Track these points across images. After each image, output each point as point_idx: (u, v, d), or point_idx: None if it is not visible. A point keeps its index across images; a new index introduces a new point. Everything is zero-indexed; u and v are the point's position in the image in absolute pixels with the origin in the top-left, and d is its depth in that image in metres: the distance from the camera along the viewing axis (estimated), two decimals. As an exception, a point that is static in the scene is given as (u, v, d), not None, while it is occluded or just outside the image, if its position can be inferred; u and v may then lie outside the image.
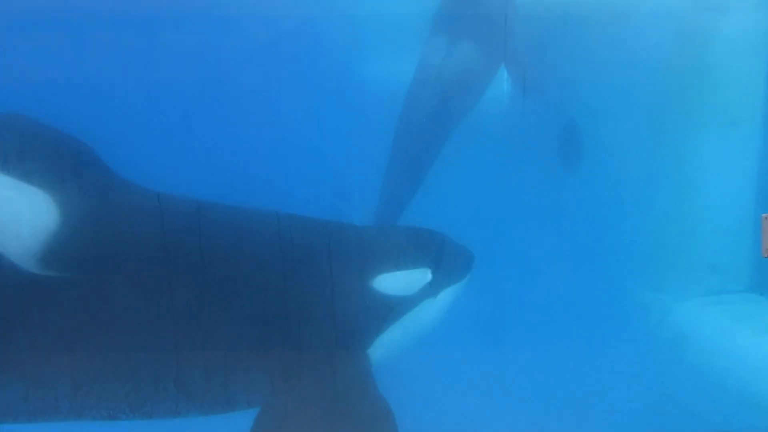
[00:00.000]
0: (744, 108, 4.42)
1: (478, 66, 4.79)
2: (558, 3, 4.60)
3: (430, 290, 3.39)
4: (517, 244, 4.46)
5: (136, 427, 3.05)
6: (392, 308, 3.28)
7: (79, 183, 3.07)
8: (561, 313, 4.32)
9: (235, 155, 4.34)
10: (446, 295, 3.46)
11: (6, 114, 3.24)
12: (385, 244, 3.46)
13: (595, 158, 4.75)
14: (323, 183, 4.27)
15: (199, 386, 3.04)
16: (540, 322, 4.21)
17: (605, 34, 4.57)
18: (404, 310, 3.32)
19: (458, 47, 4.80)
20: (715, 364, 4.16)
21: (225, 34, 4.50)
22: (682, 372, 4.18)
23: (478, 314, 4.00)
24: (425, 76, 4.77)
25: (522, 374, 3.79)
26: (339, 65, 4.71)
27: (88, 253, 3.03)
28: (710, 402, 3.96)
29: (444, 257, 3.46)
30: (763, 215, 2.67)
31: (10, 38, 4.24)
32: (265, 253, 3.24)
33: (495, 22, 4.67)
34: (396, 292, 3.30)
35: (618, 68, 4.55)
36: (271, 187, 3.85)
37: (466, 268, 3.57)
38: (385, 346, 3.27)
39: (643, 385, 4.10)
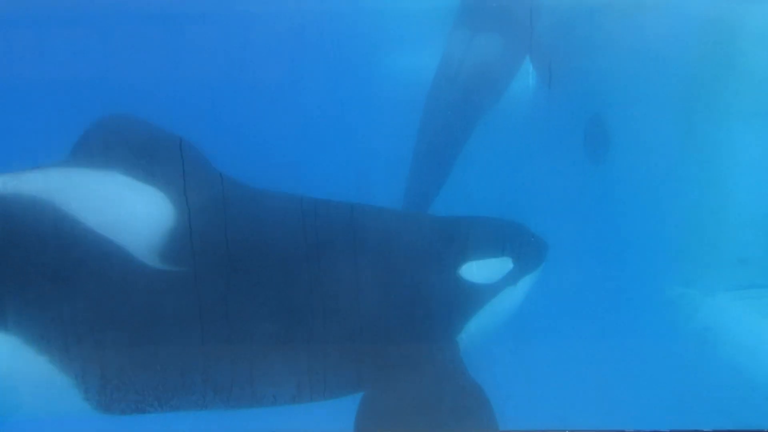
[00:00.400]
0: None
1: (502, 58, 4.76)
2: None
3: (510, 279, 3.51)
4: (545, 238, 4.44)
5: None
6: (478, 296, 3.43)
7: (188, 181, 3.23)
8: (586, 307, 4.29)
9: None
10: (524, 284, 3.59)
11: (116, 116, 3.46)
12: (469, 233, 3.58)
13: (622, 151, 4.70)
14: (346, 175, 4.30)
15: (307, 376, 3.21)
16: (563, 316, 4.18)
17: (631, 25, 4.52)
18: (488, 297, 3.45)
19: (482, 39, 4.77)
20: (743, 359, 4.12)
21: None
22: (709, 367, 4.13)
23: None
24: (449, 69, 4.75)
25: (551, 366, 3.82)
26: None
27: (200, 248, 3.18)
28: (738, 398, 3.91)
29: (522, 246, 3.58)
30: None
31: (113, 39, 4.35)
32: (362, 247, 3.38)
33: (519, 13, 4.64)
34: (481, 280, 3.44)
35: (645, 59, 4.50)
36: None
37: (541, 258, 3.68)
38: (471, 334, 3.42)
39: (670, 380, 4.06)
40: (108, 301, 3.13)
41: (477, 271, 3.44)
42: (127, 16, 4.42)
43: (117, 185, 3.20)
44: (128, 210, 3.19)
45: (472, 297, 3.43)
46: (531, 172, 4.53)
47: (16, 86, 4.34)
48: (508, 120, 4.74)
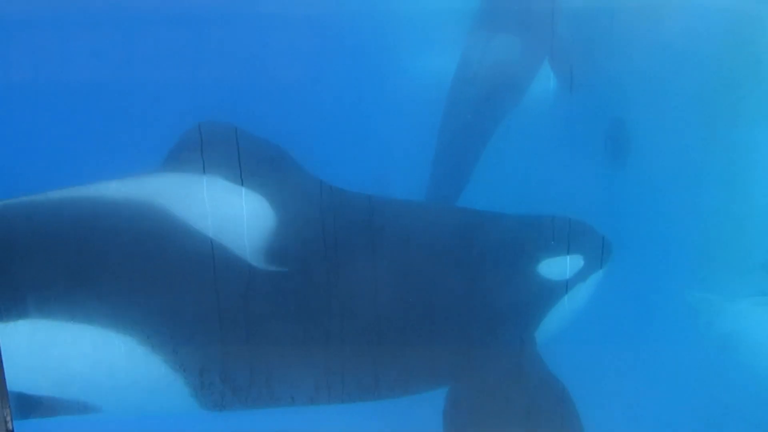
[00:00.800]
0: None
1: (521, 61, 4.74)
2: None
3: (581, 276, 3.61)
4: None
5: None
6: (553, 292, 3.56)
7: (282, 184, 3.44)
8: (608, 311, 4.27)
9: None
10: (592, 282, 3.69)
11: (213, 123, 3.61)
12: (543, 231, 3.69)
13: (644, 154, 4.67)
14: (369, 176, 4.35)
15: (399, 371, 3.38)
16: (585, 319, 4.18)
17: (652, 27, 4.49)
18: (562, 294, 3.57)
19: (500, 41, 4.75)
20: (765, 365, 4.09)
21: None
22: (732, 374, 4.10)
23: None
24: (467, 71, 4.73)
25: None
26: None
27: (300, 249, 3.37)
28: (760, 404, 3.88)
29: (590, 244, 3.68)
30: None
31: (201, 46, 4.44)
32: (449, 247, 3.57)
33: (538, 15, 4.62)
34: (556, 276, 3.55)
35: (667, 62, 4.47)
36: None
37: (607, 256, 3.75)
38: (546, 329, 3.55)
39: (691, 386, 4.03)
40: (216, 301, 3.24)
41: (554, 267, 3.55)
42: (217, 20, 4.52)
43: (220, 190, 3.35)
44: (232, 213, 3.33)
45: (549, 293, 3.55)
46: (551, 174, 4.52)
47: (118, 91, 4.45)
48: (528, 123, 4.72)
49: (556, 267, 3.55)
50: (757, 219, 4.45)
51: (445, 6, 4.75)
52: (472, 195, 4.70)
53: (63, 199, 3.33)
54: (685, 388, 3.97)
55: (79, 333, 3.13)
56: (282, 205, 3.34)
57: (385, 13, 4.72)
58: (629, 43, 4.49)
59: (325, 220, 3.40)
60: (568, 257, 3.60)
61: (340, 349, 3.31)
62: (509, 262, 3.57)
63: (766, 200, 4.43)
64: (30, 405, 3.19)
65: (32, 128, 4.60)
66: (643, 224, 4.59)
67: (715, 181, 4.50)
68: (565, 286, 3.57)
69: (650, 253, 4.59)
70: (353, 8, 4.61)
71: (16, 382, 2.82)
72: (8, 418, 2.41)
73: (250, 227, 3.29)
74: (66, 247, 3.24)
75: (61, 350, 3.16)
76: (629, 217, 4.53)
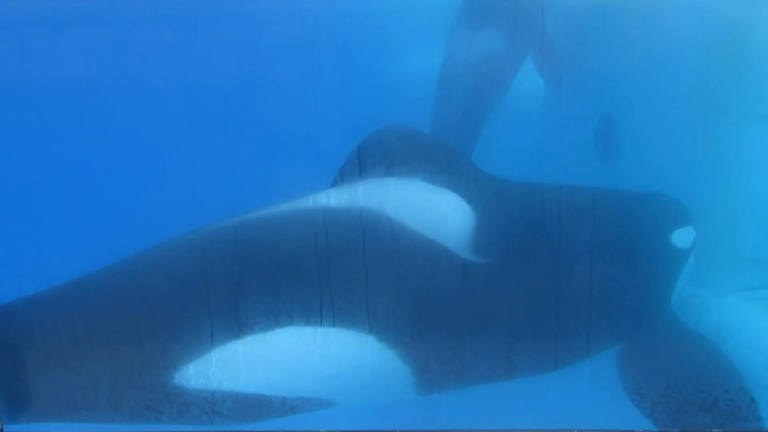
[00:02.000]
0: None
1: (503, 57, 4.75)
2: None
3: (694, 246, 4.05)
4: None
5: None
6: (682, 260, 4.04)
7: (472, 180, 3.77)
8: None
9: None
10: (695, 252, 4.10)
11: (394, 125, 3.96)
12: (667, 205, 4.13)
13: (632, 152, 4.69)
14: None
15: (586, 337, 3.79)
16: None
17: (642, 25, 4.50)
18: (685, 262, 4.05)
19: (482, 37, 4.76)
20: (755, 361, 4.11)
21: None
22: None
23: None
24: (451, 68, 4.74)
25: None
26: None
27: (498, 239, 3.72)
28: (749, 400, 3.90)
29: (690, 217, 4.12)
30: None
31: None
32: (607, 225, 3.95)
33: (521, 10, 4.63)
34: (684, 245, 4.01)
35: (655, 60, 4.48)
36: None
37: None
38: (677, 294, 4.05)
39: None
40: (437, 295, 3.59)
41: (682, 236, 4.02)
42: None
43: (421, 191, 3.69)
44: (436, 211, 3.65)
45: (679, 261, 4.03)
46: (538, 173, 4.54)
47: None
48: (512, 119, 4.74)
49: (682, 237, 4.00)
50: (746, 214, 4.46)
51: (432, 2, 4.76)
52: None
53: (290, 211, 3.69)
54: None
55: (323, 335, 3.44)
56: (473, 199, 3.66)
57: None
58: (618, 40, 4.51)
59: (510, 210, 3.81)
60: (689, 227, 4.05)
61: (539, 323, 3.71)
62: (651, 233, 4.00)
63: (756, 196, 4.44)
64: (271, 407, 3.45)
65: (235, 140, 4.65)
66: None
67: (705, 177, 4.51)
68: (688, 254, 4.05)
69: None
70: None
71: (267, 386, 3.36)
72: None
73: (453, 223, 3.60)
74: (305, 256, 3.53)
75: (307, 353, 3.48)
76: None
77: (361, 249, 3.53)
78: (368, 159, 3.83)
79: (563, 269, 3.78)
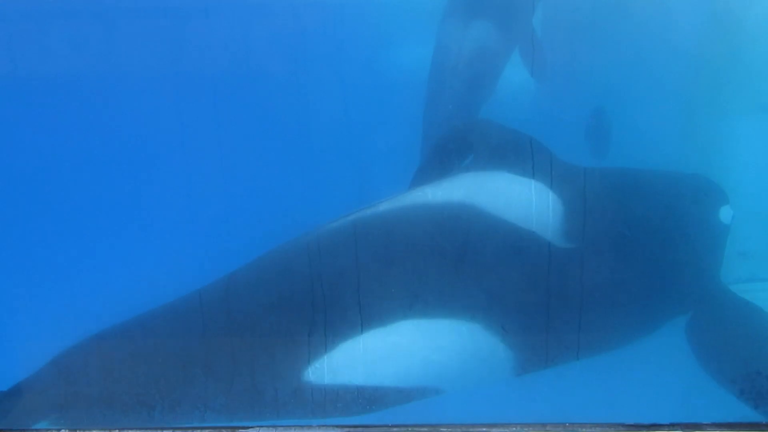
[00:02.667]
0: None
1: (491, 50, 4.74)
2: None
3: (731, 223, 4.19)
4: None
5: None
6: (726, 235, 4.19)
7: (545, 171, 3.84)
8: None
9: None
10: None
11: (481, 120, 4.21)
12: (707, 184, 4.24)
13: (623, 146, 4.70)
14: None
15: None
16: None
17: (634, 18, 4.50)
18: (727, 237, 4.21)
19: (471, 31, 4.74)
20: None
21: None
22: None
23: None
24: (440, 62, 4.73)
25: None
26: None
27: (585, 226, 3.86)
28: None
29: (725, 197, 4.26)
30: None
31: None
32: (670, 206, 4.17)
33: (510, 4, 4.62)
34: (727, 221, 4.16)
35: (647, 53, 4.49)
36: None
37: None
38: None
39: (667, 373, 4.09)
40: (532, 281, 3.77)
41: (725, 214, 4.16)
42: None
43: (508, 182, 3.82)
44: (525, 200, 3.79)
45: (724, 236, 4.20)
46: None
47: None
48: (503, 113, 4.75)
49: (726, 213, 4.14)
50: (735, 207, 4.49)
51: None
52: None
53: (401, 208, 3.83)
54: (661, 375, 4.05)
55: (436, 327, 3.61)
56: (557, 187, 3.81)
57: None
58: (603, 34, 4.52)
59: (587, 197, 3.93)
60: (728, 205, 4.17)
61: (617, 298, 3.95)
62: (704, 211, 4.19)
63: (745, 189, 4.46)
64: (378, 397, 3.58)
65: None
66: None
67: (695, 170, 4.53)
68: (729, 229, 4.19)
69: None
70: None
71: (385, 378, 3.53)
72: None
73: (542, 212, 3.76)
74: (415, 251, 3.73)
75: (420, 344, 3.61)
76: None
77: (463, 242, 3.72)
78: (452, 155, 4.03)
79: (638, 249, 4.01)
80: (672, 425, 3.06)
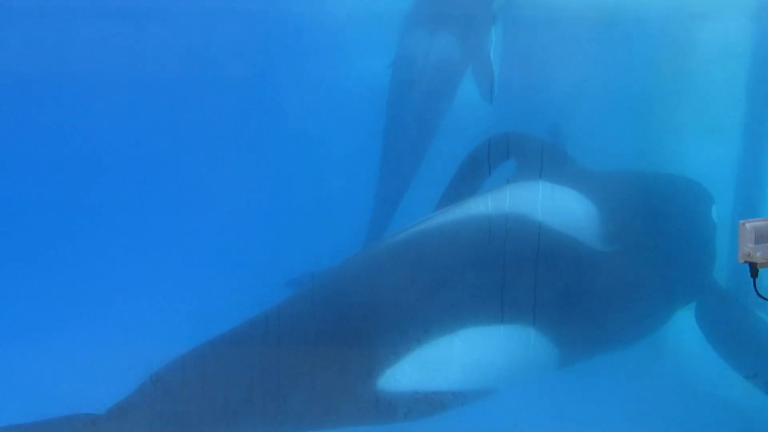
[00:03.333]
0: (724, 115, 4.46)
1: (446, 68, 4.78)
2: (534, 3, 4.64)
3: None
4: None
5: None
6: (715, 231, 4.42)
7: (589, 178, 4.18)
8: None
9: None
10: None
11: (506, 132, 4.32)
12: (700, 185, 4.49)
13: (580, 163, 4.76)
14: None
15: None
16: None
17: (589, 39, 4.59)
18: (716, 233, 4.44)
19: (429, 48, 4.78)
20: (695, 369, 4.21)
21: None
22: (661, 375, 4.22)
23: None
24: (401, 77, 4.76)
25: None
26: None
27: (620, 231, 4.10)
28: (685, 405, 3.99)
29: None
30: (741, 221, 2.70)
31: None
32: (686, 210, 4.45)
33: (464, 22, 4.68)
34: (716, 219, 4.39)
35: (601, 73, 4.57)
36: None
37: None
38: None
39: (626, 388, 4.12)
40: (578, 284, 3.97)
41: (715, 212, 4.41)
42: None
43: (548, 191, 4.06)
44: (566, 208, 4.01)
45: (715, 232, 4.43)
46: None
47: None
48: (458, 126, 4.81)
49: (715, 212, 4.40)
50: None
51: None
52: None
53: (458, 221, 4.01)
54: (615, 389, 4.09)
55: (495, 333, 3.77)
56: (592, 194, 4.07)
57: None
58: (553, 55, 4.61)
59: (614, 201, 4.13)
60: (715, 205, 4.43)
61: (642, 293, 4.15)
62: (703, 211, 4.44)
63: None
64: (438, 401, 3.69)
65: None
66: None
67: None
68: (716, 227, 4.41)
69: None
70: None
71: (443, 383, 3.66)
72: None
73: (581, 218, 4.00)
74: (472, 262, 3.88)
75: (480, 351, 3.75)
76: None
77: (515, 251, 3.89)
78: (484, 166, 4.28)
79: (655, 247, 4.22)
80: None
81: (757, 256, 2.64)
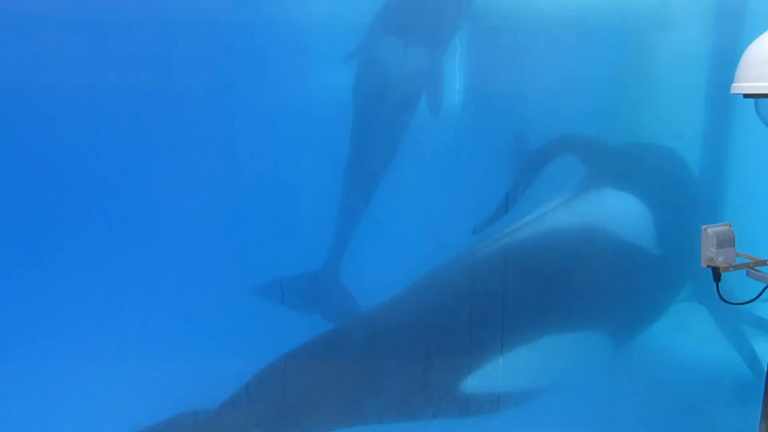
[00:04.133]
0: (685, 122, 4.54)
1: (409, 78, 4.79)
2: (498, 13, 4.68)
3: None
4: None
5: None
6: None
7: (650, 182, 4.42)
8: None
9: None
10: None
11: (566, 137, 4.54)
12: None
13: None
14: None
15: None
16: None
17: (553, 48, 4.63)
18: None
19: (393, 57, 4.79)
20: (657, 371, 4.26)
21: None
22: (626, 379, 4.27)
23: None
24: (365, 84, 4.76)
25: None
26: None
27: (671, 233, 4.38)
28: (652, 408, 4.04)
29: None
30: (703, 227, 2.74)
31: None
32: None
33: (426, 32, 4.70)
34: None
35: (564, 81, 4.61)
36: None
37: None
38: None
39: (589, 391, 4.16)
40: (637, 286, 4.27)
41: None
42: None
43: (611, 198, 4.31)
44: (628, 213, 4.29)
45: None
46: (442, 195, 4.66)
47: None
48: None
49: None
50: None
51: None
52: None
53: (539, 234, 4.26)
54: (581, 391, 4.13)
55: (568, 339, 4.10)
56: (649, 199, 4.32)
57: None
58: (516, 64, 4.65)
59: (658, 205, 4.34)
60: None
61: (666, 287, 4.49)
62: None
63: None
64: (509, 399, 4.02)
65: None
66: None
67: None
68: None
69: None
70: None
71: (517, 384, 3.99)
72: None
73: (640, 222, 4.24)
74: (550, 271, 4.18)
75: (554, 356, 4.08)
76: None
77: (584, 259, 4.19)
78: (553, 176, 4.49)
79: (676, 246, 4.44)
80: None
81: (719, 261, 2.68)
